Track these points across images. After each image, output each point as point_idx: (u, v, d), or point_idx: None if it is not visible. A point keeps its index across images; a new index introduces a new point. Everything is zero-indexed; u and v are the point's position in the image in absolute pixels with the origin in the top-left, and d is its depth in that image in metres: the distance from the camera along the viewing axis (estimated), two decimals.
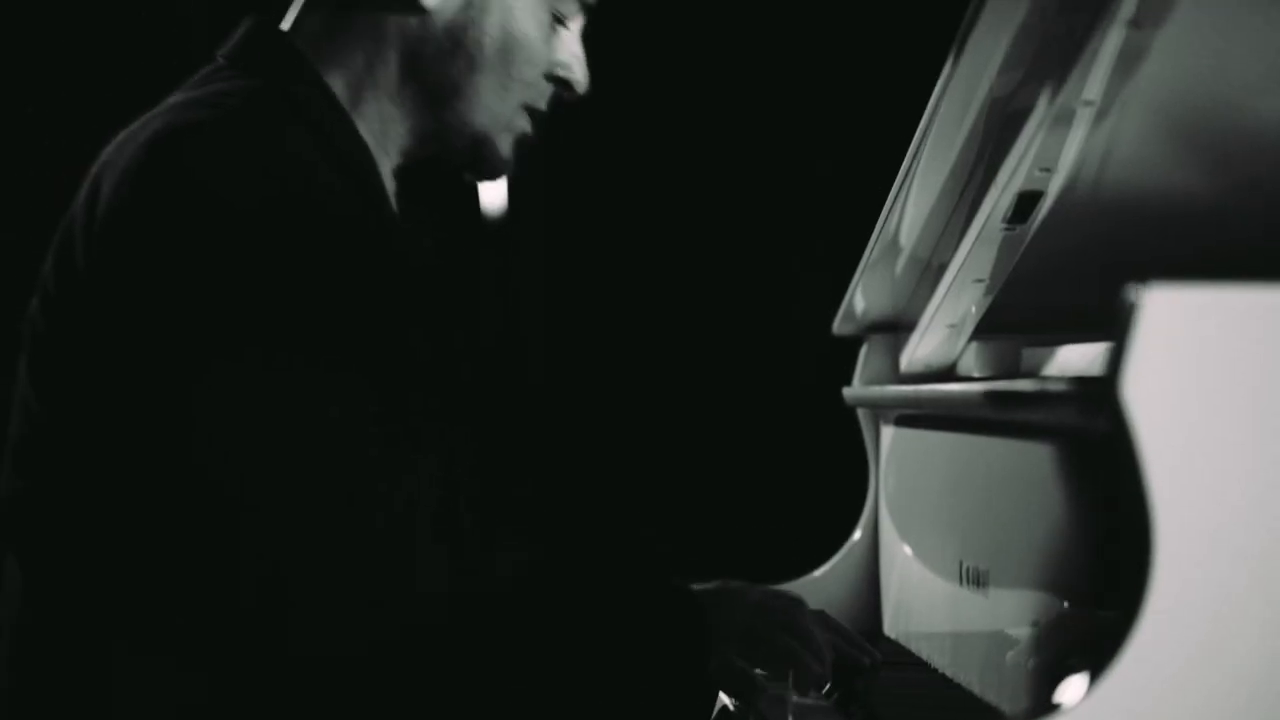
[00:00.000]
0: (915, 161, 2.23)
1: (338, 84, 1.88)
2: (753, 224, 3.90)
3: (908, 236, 2.37)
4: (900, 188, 2.28)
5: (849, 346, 2.64)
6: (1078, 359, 1.86)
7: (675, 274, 3.92)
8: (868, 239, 2.41)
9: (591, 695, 1.73)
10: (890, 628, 2.49)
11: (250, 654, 1.67)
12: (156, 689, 1.70)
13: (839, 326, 2.62)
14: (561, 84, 1.95)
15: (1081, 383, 1.56)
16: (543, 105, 1.95)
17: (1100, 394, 1.39)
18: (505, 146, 1.94)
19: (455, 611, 1.69)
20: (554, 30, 1.93)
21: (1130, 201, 1.94)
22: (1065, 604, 1.74)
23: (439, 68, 1.89)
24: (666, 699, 1.76)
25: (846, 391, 2.62)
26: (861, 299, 2.53)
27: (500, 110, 1.91)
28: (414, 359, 1.82)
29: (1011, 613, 1.88)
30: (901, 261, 2.42)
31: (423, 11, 1.88)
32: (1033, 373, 2.00)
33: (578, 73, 1.95)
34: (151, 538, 1.68)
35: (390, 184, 1.94)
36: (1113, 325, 1.38)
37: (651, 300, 3.92)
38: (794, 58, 3.89)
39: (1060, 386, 1.62)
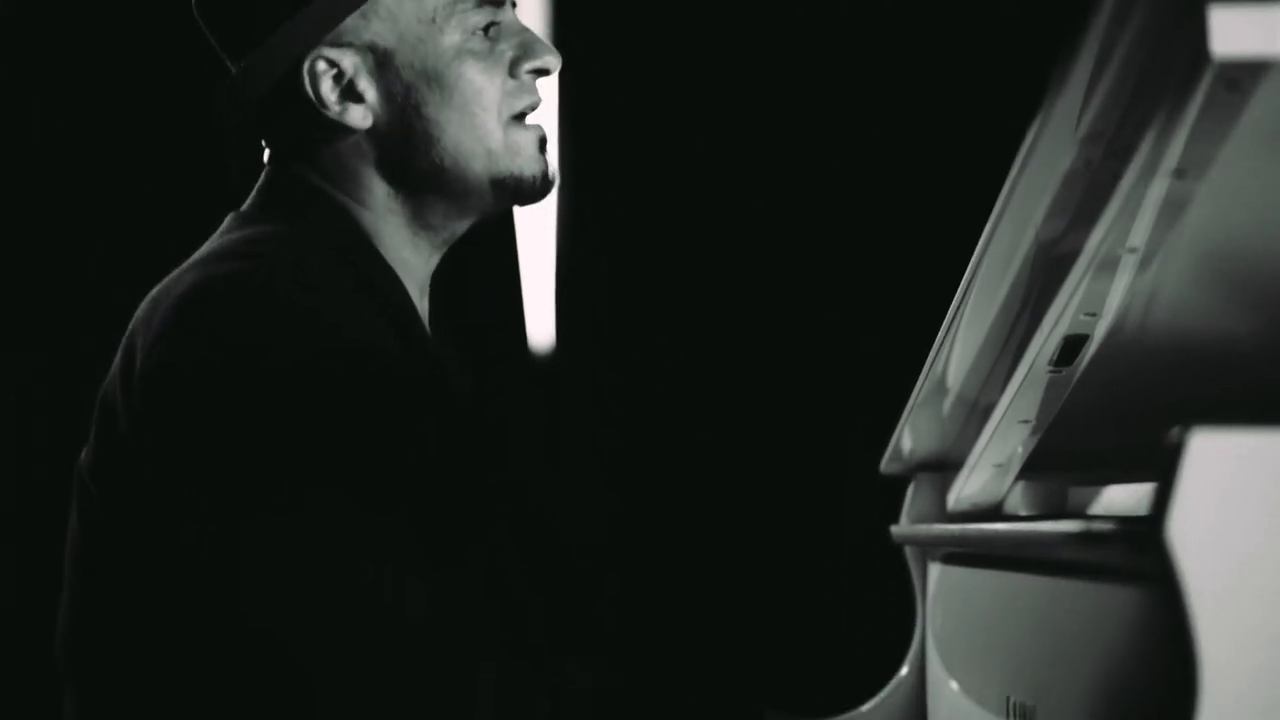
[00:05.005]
0: (963, 303, 2.26)
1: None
2: (802, 363, 3.94)
3: (955, 377, 2.39)
4: (948, 329, 2.31)
5: (897, 485, 2.67)
6: (1124, 499, 1.89)
7: (727, 410, 3.94)
8: (916, 379, 2.44)
9: None
10: None
11: None
12: None
13: (886, 465, 2.64)
14: (535, 74, 1.95)
15: (1126, 523, 1.59)
16: (532, 100, 1.95)
17: (1145, 535, 1.42)
18: (524, 166, 1.94)
19: None
20: (488, 41, 1.92)
21: (1175, 345, 1.97)
22: None
23: (409, 158, 1.91)
24: None
25: (894, 529, 2.64)
26: (909, 438, 2.56)
27: (489, 145, 1.91)
28: (453, 494, 1.81)
29: None
30: (949, 401, 2.45)
31: (359, 129, 1.90)
32: (1079, 512, 2.03)
33: (538, 56, 1.95)
34: (203, 679, 1.71)
35: (423, 303, 1.96)
36: (1158, 467, 1.41)
37: (702, 438, 3.94)
38: (845, 201, 3.94)
39: (1105, 527, 1.65)
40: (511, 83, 1.94)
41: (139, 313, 1.82)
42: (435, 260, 1.98)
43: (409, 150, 1.91)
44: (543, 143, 1.97)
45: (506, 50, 1.94)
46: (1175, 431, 1.40)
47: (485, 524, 1.87)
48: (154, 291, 1.82)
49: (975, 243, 2.16)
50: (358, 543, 1.66)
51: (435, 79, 1.89)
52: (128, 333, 1.81)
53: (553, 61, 1.96)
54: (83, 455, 1.82)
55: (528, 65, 1.94)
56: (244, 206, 1.93)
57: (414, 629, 1.67)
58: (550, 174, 1.97)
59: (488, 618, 1.79)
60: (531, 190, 1.96)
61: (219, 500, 1.67)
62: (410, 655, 1.66)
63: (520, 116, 1.95)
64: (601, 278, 4.02)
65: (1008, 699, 2.09)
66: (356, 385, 1.70)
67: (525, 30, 1.96)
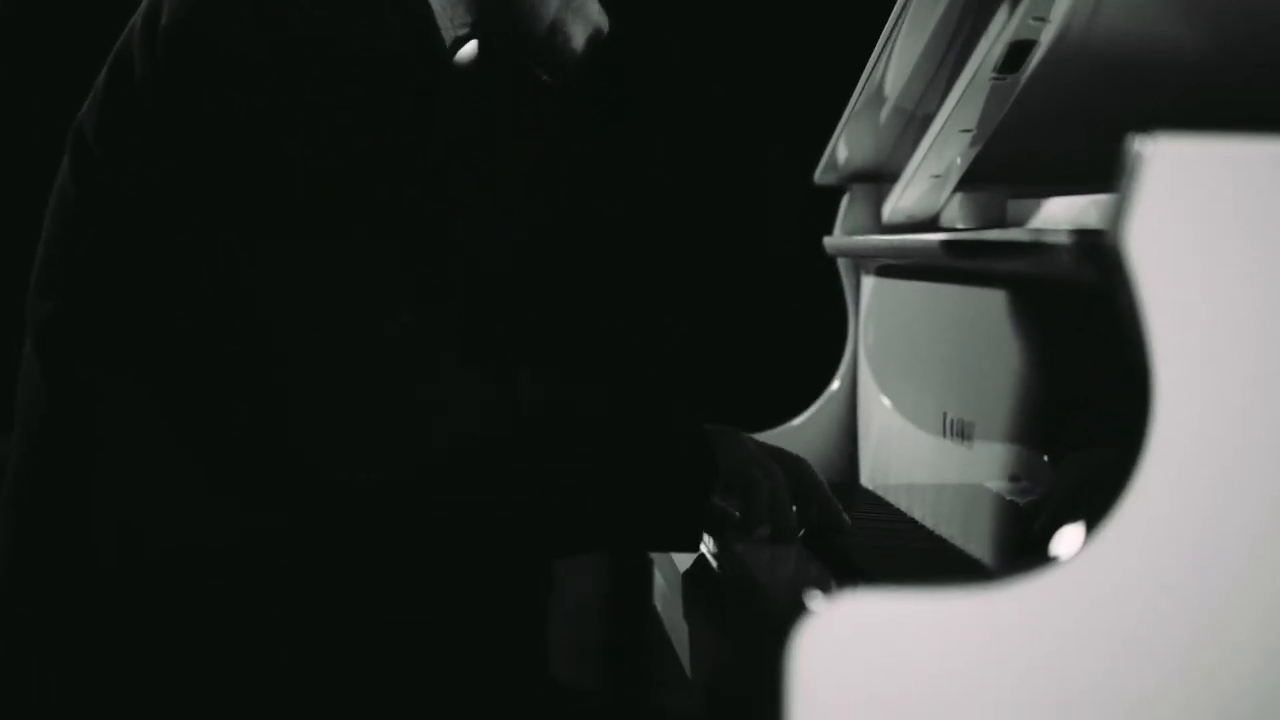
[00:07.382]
0: (904, 9, 2.20)
1: None
2: (736, 71, 3.86)
3: (894, 85, 2.34)
4: (888, 36, 2.25)
5: (831, 195, 2.62)
6: (1063, 211, 1.84)
7: (659, 120, 3.88)
8: (853, 87, 2.39)
9: (602, 517, 1.75)
10: (868, 479, 2.48)
11: (285, 479, 1.69)
12: (180, 502, 1.72)
13: (821, 175, 2.59)
14: None
15: (1080, 234, 1.54)
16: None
17: (1101, 246, 1.37)
18: (579, 37, 1.92)
19: (486, 431, 1.69)
20: None
21: (1127, 52, 1.91)
22: (1050, 458, 1.73)
23: None
24: (666, 529, 1.78)
25: (827, 240, 2.60)
26: (845, 148, 2.51)
27: None
28: (447, 207, 1.82)
29: (997, 465, 1.88)
30: (887, 111, 2.40)
31: None
32: (1018, 224, 1.99)
33: None
34: (181, 358, 1.70)
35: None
36: (1116, 176, 1.36)
37: (636, 147, 3.89)
38: None
39: (1058, 238, 1.60)
40: None
41: None
42: (455, 40, 1.95)
43: None
44: (597, 34, 1.94)
45: None
46: (1135, 139, 1.35)
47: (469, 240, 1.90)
48: None
49: None
50: (354, 227, 1.67)
51: None
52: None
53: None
54: (83, 112, 1.79)
55: None
56: None
57: (398, 308, 1.68)
58: (576, 64, 1.94)
59: (455, 331, 1.82)
60: (559, 58, 1.94)
61: (222, 176, 1.66)
62: (394, 325, 1.67)
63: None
64: None
65: (944, 415, 2.07)
66: (377, 76, 1.71)
67: None
